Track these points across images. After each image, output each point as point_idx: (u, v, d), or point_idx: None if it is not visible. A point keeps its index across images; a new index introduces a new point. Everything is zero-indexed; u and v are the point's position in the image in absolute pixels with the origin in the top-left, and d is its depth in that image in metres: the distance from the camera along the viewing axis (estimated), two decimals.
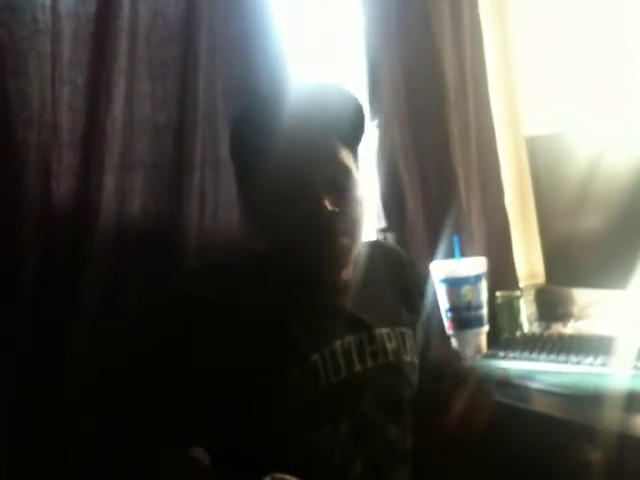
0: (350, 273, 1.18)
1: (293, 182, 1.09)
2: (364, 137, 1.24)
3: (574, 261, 1.71)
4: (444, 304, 1.51)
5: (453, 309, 1.48)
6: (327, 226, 1.08)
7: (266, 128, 1.10)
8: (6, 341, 1.09)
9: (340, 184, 1.12)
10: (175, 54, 1.35)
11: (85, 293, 1.19)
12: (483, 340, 1.53)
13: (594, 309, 1.78)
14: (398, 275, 1.30)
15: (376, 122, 1.70)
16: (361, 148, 1.24)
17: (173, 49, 1.35)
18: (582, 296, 1.85)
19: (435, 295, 1.51)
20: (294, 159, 1.10)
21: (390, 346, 1.17)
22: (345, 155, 1.15)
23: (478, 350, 1.51)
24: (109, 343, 1.20)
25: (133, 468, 1.00)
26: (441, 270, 1.53)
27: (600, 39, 1.78)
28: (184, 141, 1.34)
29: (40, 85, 1.16)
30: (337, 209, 1.08)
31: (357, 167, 1.18)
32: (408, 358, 1.20)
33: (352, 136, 1.20)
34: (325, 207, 1.07)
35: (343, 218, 1.10)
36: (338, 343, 1.10)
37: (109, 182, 1.23)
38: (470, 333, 1.49)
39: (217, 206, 1.39)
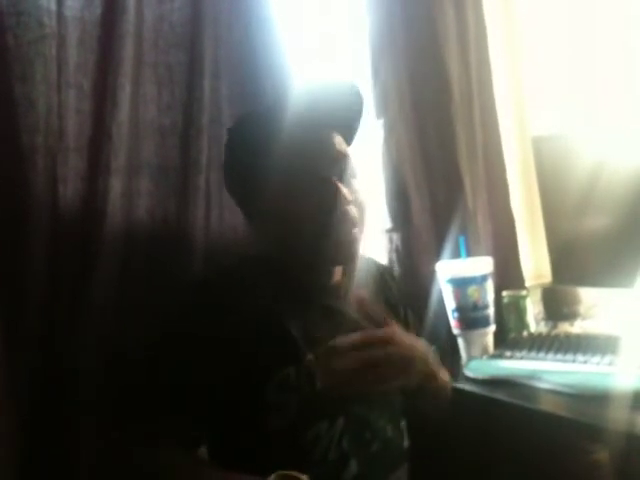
0: (343, 276, 1.20)
1: (306, 176, 1.11)
2: (361, 126, 1.26)
3: (581, 260, 1.70)
4: (450, 304, 1.51)
5: (459, 309, 1.48)
6: (345, 212, 1.11)
7: (271, 128, 1.12)
8: (13, 343, 1.10)
9: (346, 175, 1.15)
10: (181, 59, 1.36)
11: (92, 295, 1.20)
12: (490, 340, 1.53)
13: (601, 308, 1.77)
14: (382, 289, 1.31)
15: (381, 122, 1.70)
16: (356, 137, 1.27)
17: (179, 53, 1.36)
18: (589, 295, 1.84)
19: (439, 295, 1.51)
20: (304, 155, 1.12)
21: None
22: (345, 147, 1.18)
23: (485, 350, 1.51)
24: (116, 345, 1.21)
25: (139, 468, 1.01)
26: (447, 270, 1.53)
27: (606, 40, 1.78)
28: (190, 144, 1.35)
29: (46, 89, 1.16)
30: (351, 197, 1.12)
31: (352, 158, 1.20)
32: None
33: (351, 128, 1.23)
34: (344, 194, 1.10)
35: (354, 207, 1.13)
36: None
37: (115, 185, 1.24)
38: (476, 333, 1.49)
39: (223, 208, 1.39)
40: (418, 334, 1.35)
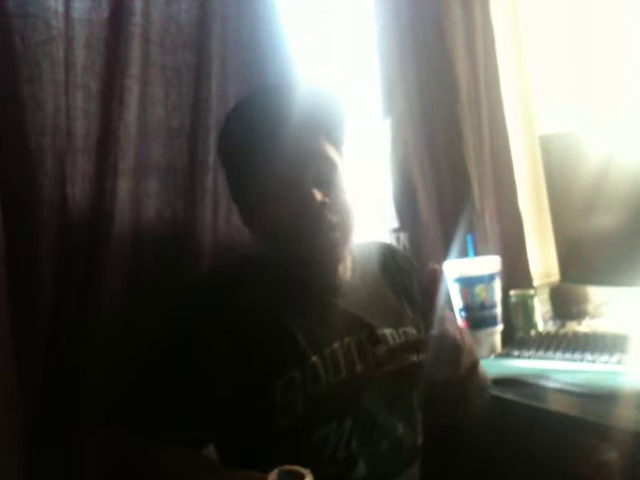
0: (348, 272, 1.19)
1: (282, 179, 1.10)
2: (348, 132, 1.23)
3: (588, 259, 1.70)
4: (458, 304, 1.51)
5: (467, 308, 1.49)
6: (318, 217, 1.09)
7: (252, 129, 1.12)
8: (24, 343, 1.11)
9: (327, 177, 1.13)
10: (188, 60, 1.36)
11: (100, 296, 1.20)
12: (498, 339, 1.53)
13: (609, 307, 1.77)
14: (397, 274, 1.29)
15: (388, 122, 1.70)
16: (346, 143, 1.23)
17: (186, 55, 1.36)
18: (597, 294, 1.84)
19: (447, 294, 1.51)
20: (281, 157, 1.10)
21: (394, 346, 1.16)
22: (330, 150, 1.16)
23: (493, 349, 1.51)
24: (123, 345, 1.21)
25: (139, 468, 1.01)
26: (455, 269, 1.53)
27: (613, 39, 1.77)
28: (197, 145, 1.35)
29: (54, 91, 1.17)
30: (327, 199, 1.10)
31: (343, 162, 1.18)
32: (414, 358, 1.18)
33: (335, 131, 1.20)
34: (315, 198, 1.08)
35: (333, 209, 1.11)
36: (337, 344, 1.10)
37: (123, 186, 1.24)
38: (484, 332, 1.49)
39: (230, 208, 1.39)
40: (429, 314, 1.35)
